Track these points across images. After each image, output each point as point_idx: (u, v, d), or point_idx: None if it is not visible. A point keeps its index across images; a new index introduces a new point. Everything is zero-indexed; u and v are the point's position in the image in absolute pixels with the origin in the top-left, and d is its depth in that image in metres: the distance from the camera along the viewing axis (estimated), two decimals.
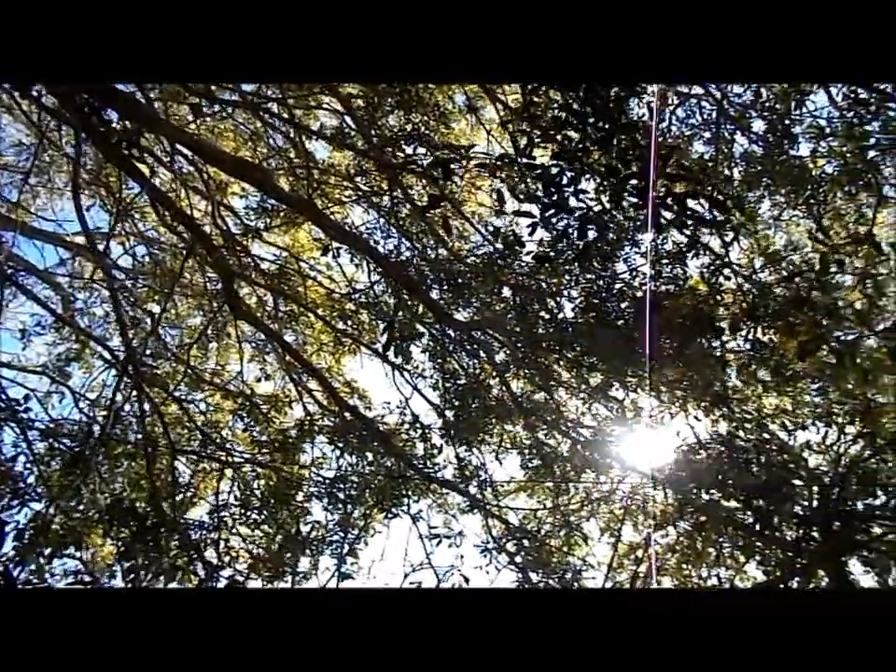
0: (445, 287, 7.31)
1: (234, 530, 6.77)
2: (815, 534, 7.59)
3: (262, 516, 6.90)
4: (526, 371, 7.13)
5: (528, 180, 4.99)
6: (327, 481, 6.94)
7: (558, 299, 7.28)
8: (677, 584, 8.54)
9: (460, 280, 7.24)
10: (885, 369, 7.45)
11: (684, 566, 8.78)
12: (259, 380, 8.16)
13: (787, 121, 7.81)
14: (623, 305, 7.02)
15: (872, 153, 7.45)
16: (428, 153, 6.25)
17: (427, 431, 6.76)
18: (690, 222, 3.64)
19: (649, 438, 7.52)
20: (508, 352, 7.08)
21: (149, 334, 7.19)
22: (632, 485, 7.60)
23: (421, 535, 6.61)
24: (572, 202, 3.45)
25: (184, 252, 7.14)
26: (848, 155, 6.74)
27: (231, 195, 8.32)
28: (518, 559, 7.29)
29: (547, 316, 7.17)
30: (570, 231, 3.67)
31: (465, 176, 6.77)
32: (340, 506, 6.83)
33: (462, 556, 6.34)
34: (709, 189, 4.04)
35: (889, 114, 7.24)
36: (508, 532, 7.15)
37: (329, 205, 7.53)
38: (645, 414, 7.33)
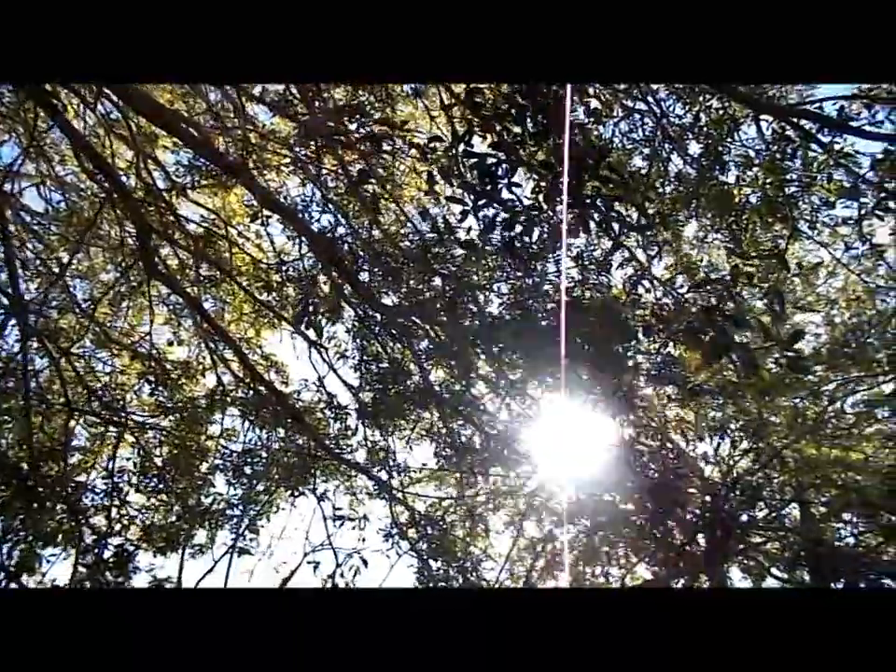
0: (376, 270, 7.24)
1: (129, 498, 6.50)
2: (700, 539, 8.08)
3: (161, 485, 6.65)
4: (448, 361, 7.16)
5: (464, 168, 4.98)
6: (234, 454, 6.76)
7: (487, 293, 7.35)
8: (571, 581, 8.88)
9: (392, 264, 7.19)
10: (780, 388, 7.99)
11: (580, 562, 9.14)
12: (171, 344, 7.82)
13: (720, 147, 8.15)
14: (549, 306, 7.16)
15: (792, 188, 7.92)
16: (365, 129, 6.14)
17: (342, 412, 6.69)
18: (615, 225, 3.73)
19: (559, 437, 7.73)
20: (431, 340, 7.09)
21: (52, 283, 6.75)
22: (538, 482, 7.81)
23: (325, 516, 6.56)
24: (505, 193, 3.47)
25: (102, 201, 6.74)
26: (768, 187, 7.12)
27: (161, 148, 7.91)
28: (421, 546, 7.36)
29: (474, 309, 7.22)
30: (499, 222, 3.70)
31: (396, 155, 6.70)
32: (245, 480, 6.68)
33: (364, 539, 6.33)
34: (637, 195, 4.15)
35: (811, 153, 7.70)
36: (413, 519, 7.20)
37: (264, 172, 7.29)
38: (558, 414, 7.53)
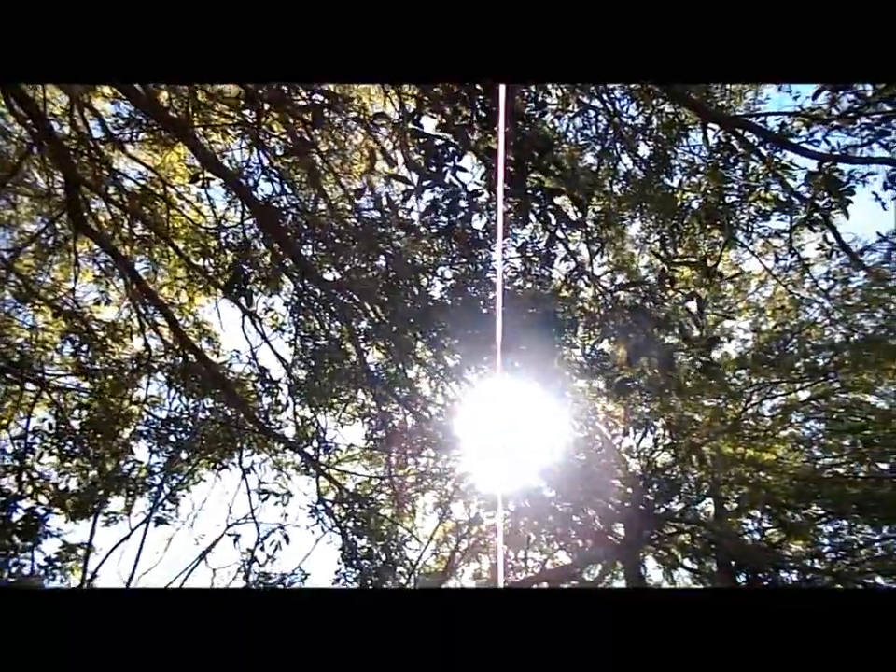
0: (319, 244, 7.12)
1: (43, 460, 6.24)
2: (618, 529, 8.39)
3: (78, 449, 6.41)
4: (386, 342, 7.13)
5: (412, 147, 4.93)
6: (157, 421, 6.57)
7: (430, 276, 7.33)
8: (493, 562, 9.10)
9: (336, 240, 7.08)
10: (702, 388, 8.34)
11: (505, 545, 9.35)
12: (98, 303, 7.48)
13: (668, 151, 8.34)
14: (490, 294, 7.21)
15: (732, 197, 8.20)
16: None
17: (273, 386, 6.58)
18: (553, 218, 3.76)
19: (492, 423, 7.84)
20: (370, 321, 7.04)
21: None
22: (468, 466, 7.91)
23: (249, 489, 6.46)
24: (452, 178, 3.45)
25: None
26: (709, 193, 7.35)
27: (100, 97, 7.49)
28: (347, 524, 7.36)
29: (416, 292, 7.20)
30: (441, 205, 3.68)
31: (339, 128, 6.57)
32: (168, 449, 6.50)
33: (286, 515, 6.28)
34: (577, 190, 4.20)
35: (751, 164, 7.98)
36: (340, 496, 7.19)
37: (209, 132, 7.02)
38: (491, 400, 7.63)
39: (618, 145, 8.77)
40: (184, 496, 6.43)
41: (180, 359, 6.64)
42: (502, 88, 2.65)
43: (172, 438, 6.49)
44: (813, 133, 7.86)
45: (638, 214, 8.61)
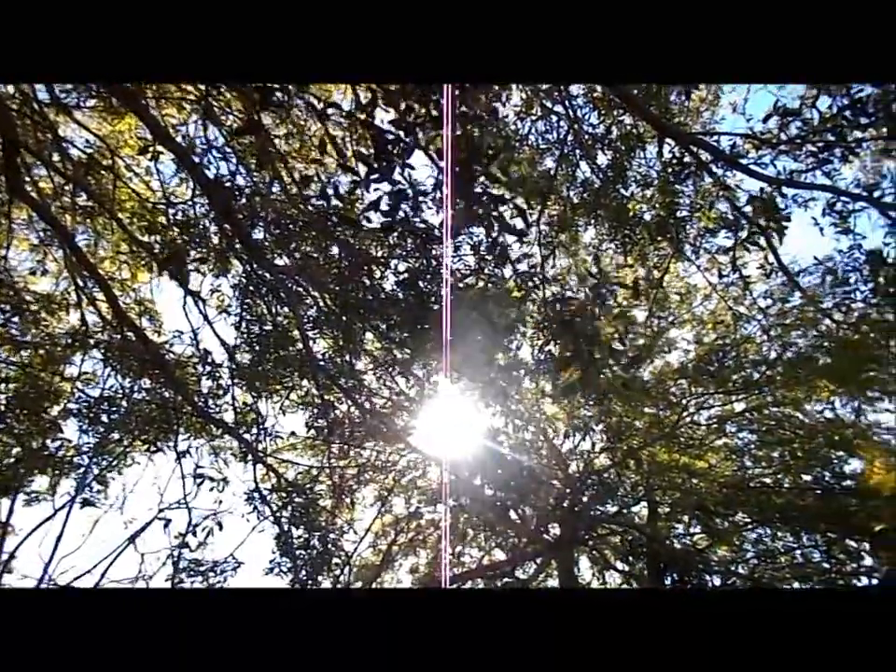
0: (272, 228, 7.00)
1: None
2: (554, 529, 8.56)
3: (2, 424, 6.13)
4: (334, 332, 7.07)
5: (362, 140, 4.89)
6: (90, 399, 6.34)
7: (383, 269, 7.29)
8: (430, 556, 9.15)
9: (290, 225, 6.97)
10: (641, 395, 8.60)
11: (443, 541, 9.41)
12: (33, 273, 7.16)
13: (625, 162, 8.52)
14: (443, 292, 7.22)
15: (683, 212, 8.44)
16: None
17: (215, 369, 6.43)
18: (495, 224, 3.78)
19: (437, 418, 7.87)
20: (319, 309, 6.96)
21: None
22: (410, 460, 7.93)
23: (184, 473, 6.31)
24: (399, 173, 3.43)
25: None
26: (660, 207, 7.55)
27: None
28: (284, 513, 7.27)
29: (368, 283, 7.15)
30: (384, 199, 3.66)
31: (291, 113, 6.49)
32: (99, 429, 6.29)
33: (220, 501, 6.16)
34: (522, 201, 4.25)
35: (702, 181, 8.24)
36: (279, 485, 7.09)
37: (163, 104, 6.80)
38: (438, 396, 7.65)
39: (577, 152, 8.92)
40: (114, 478, 6.23)
41: (118, 337, 6.42)
42: (447, 88, 2.66)
43: (104, 417, 6.28)
44: (761, 157, 8.17)
45: (593, 221, 8.78)
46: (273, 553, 7.13)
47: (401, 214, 3.96)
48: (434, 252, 7.11)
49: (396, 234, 6.79)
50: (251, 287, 6.90)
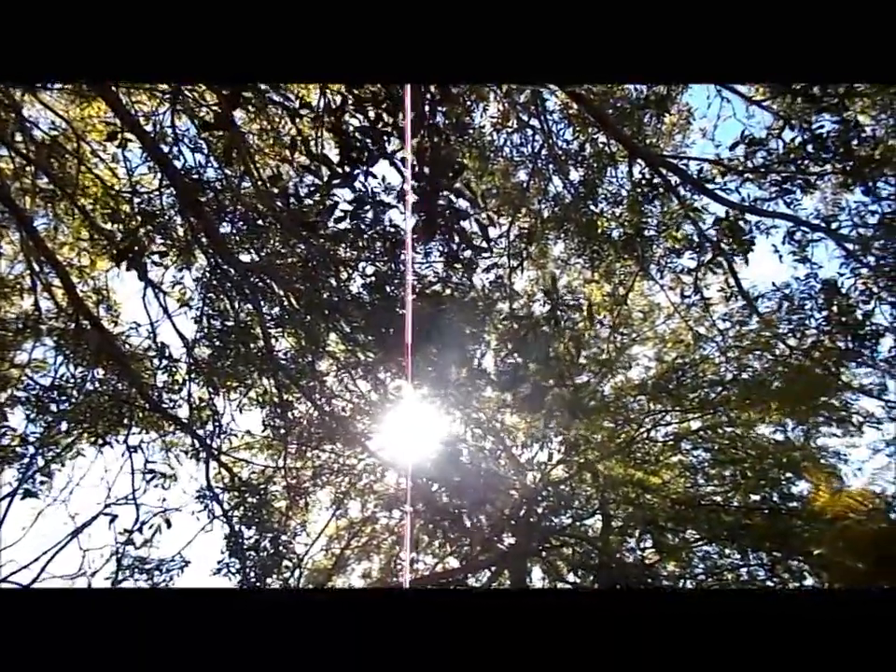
0: (239, 223, 6.92)
1: None
2: (509, 538, 8.61)
3: None
4: (297, 331, 7.01)
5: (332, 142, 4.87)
6: (39, 387, 6.16)
7: (350, 270, 7.26)
8: (384, 562, 9.11)
9: (258, 221, 6.90)
10: (600, 410, 8.73)
11: (397, 546, 9.39)
12: None
13: (595, 179, 8.66)
14: (410, 297, 7.21)
15: (651, 231, 8.61)
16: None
17: (171, 363, 6.31)
18: (456, 238, 3.81)
19: (397, 424, 7.85)
20: (283, 308, 6.89)
21: None
22: (367, 464, 7.88)
23: (133, 469, 6.17)
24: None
25: None
26: (627, 225, 7.69)
27: None
28: (236, 513, 7.16)
29: (334, 284, 7.11)
30: (343, 207, 3.67)
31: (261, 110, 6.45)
32: (47, 419, 6.11)
33: (165, 500, 6.04)
34: (485, 217, 4.28)
35: (670, 203, 8.42)
36: (232, 483, 6.99)
37: (134, 91, 6.67)
38: (399, 401, 7.63)
39: (550, 166, 9.03)
40: (59, 469, 6.06)
41: (72, 325, 6.25)
42: (407, 88, 2.67)
43: (53, 407, 6.11)
44: (727, 182, 8.40)
45: (562, 236, 8.89)
46: (223, 553, 7.02)
47: (366, 219, 3.96)
48: (402, 257, 7.12)
49: (366, 238, 6.79)
50: (214, 282, 6.80)
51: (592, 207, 8.61)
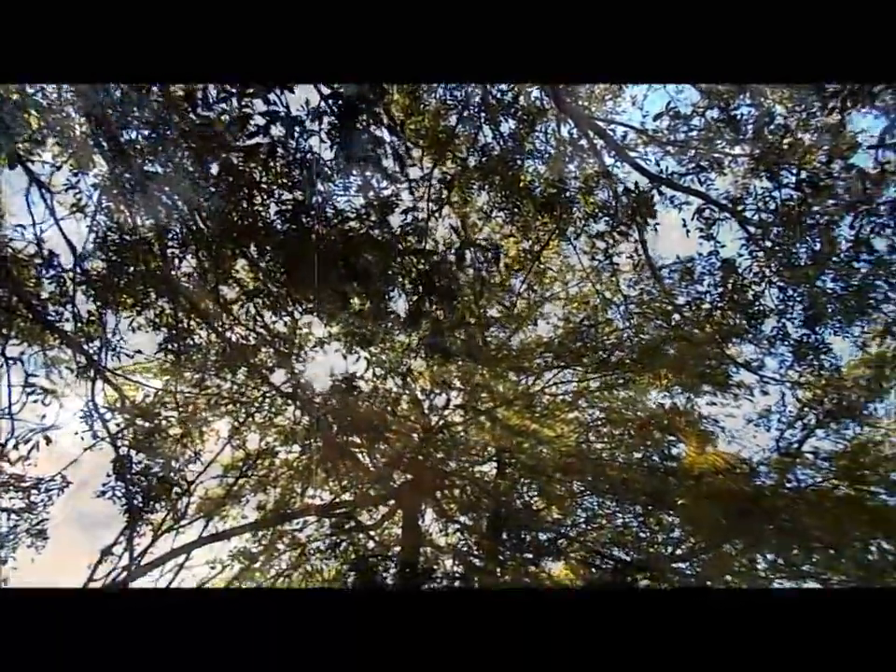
0: (149, 133, 6.47)
1: None
2: (404, 478, 8.85)
3: None
4: (205, 253, 6.72)
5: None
6: None
7: (265, 195, 6.99)
8: (279, 496, 9.10)
9: (168, 132, 6.47)
10: (504, 360, 9.01)
11: (293, 480, 9.44)
12: None
13: (526, 133, 8.65)
14: (324, 230, 7.05)
15: (571, 192, 8.74)
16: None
17: (59, 273, 5.90)
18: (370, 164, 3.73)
19: (301, 358, 7.78)
20: (191, 228, 6.56)
21: None
22: (267, 396, 7.80)
23: (11, 382, 5.82)
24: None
25: None
26: (550, 183, 7.80)
27: None
28: (125, 435, 6.95)
29: (247, 208, 6.84)
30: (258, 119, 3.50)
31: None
32: None
33: (45, 416, 5.76)
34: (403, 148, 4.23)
35: (590, 165, 8.57)
36: (122, 405, 6.73)
37: None
38: (304, 335, 7.56)
39: (482, 114, 8.92)
40: None
41: None
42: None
43: None
44: (647, 154, 8.63)
45: (486, 187, 8.88)
46: (109, 476, 6.82)
47: (282, 140, 3.82)
48: (321, 188, 6.92)
49: (280, 163, 6.52)
50: (115, 191, 6.36)
51: (518, 161, 8.63)
